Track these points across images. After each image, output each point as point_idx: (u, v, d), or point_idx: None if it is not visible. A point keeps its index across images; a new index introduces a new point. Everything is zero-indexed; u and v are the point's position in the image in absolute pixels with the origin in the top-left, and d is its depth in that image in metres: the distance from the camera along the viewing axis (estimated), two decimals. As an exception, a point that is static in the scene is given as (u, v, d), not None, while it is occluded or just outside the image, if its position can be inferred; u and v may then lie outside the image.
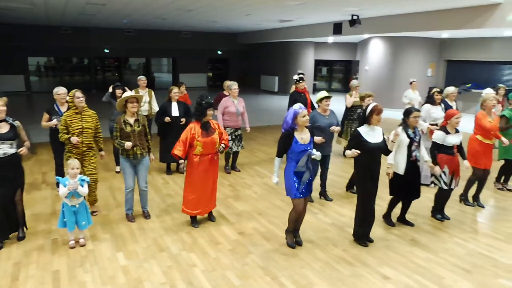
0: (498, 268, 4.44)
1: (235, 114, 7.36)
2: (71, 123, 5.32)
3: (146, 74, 23.85)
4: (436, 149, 5.39)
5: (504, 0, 10.21)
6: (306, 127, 4.57)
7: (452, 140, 5.36)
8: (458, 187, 5.70)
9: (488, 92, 8.01)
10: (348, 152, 4.64)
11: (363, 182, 4.76)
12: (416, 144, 5.14)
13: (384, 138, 4.75)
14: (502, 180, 7.04)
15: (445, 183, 5.44)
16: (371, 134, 4.65)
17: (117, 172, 7.54)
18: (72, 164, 4.69)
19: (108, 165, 8.00)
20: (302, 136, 4.50)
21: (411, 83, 10.95)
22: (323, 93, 5.96)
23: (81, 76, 24.37)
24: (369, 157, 4.64)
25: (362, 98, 6.90)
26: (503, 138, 6.25)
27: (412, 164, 5.16)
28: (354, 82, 8.78)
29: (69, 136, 5.29)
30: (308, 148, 4.51)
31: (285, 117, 4.56)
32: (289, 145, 4.48)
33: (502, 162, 6.92)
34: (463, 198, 6.33)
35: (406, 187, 5.23)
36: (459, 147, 5.51)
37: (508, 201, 6.56)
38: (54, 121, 6.04)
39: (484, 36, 14.84)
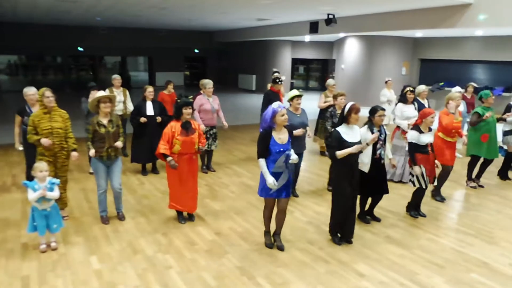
0: (470, 263, 4.54)
1: (210, 111, 7.30)
2: (39, 124, 5.10)
3: (122, 73, 23.52)
4: (413, 149, 5.45)
5: (475, 1, 10.46)
6: (285, 126, 4.52)
7: (426, 139, 5.44)
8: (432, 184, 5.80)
9: (456, 90, 8.22)
10: (343, 151, 4.55)
11: (340, 181, 4.75)
12: (381, 142, 5.20)
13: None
14: (473, 177, 7.19)
15: (424, 182, 5.53)
16: (350, 133, 4.66)
17: (91, 173, 7.36)
18: (40, 167, 4.55)
19: (82, 166, 7.83)
20: (280, 136, 4.44)
21: (386, 82, 11.11)
22: (294, 92, 5.99)
23: (54, 75, 23.80)
24: (348, 157, 4.62)
25: (335, 97, 6.94)
26: (464, 137, 6.40)
27: (377, 161, 5.22)
28: (330, 81, 8.83)
29: (38, 137, 5.09)
30: (286, 148, 4.45)
31: (263, 116, 4.50)
32: (268, 145, 4.40)
33: (469, 158, 7.10)
34: (434, 193, 6.48)
35: (370, 184, 5.27)
36: (432, 146, 5.61)
37: (479, 197, 6.72)
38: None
39: (456, 36, 15.18)
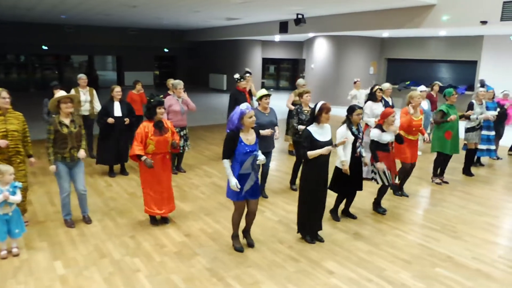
0: (435, 257, 4.66)
1: (180, 112, 7.18)
2: None
3: (89, 72, 22.98)
4: (375, 147, 5.56)
5: (438, 2, 10.77)
6: (252, 127, 4.49)
7: (387, 137, 5.55)
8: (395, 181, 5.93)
9: (421, 89, 8.43)
10: (315, 151, 4.55)
11: (310, 180, 4.76)
12: (360, 140, 5.27)
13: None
14: (438, 173, 7.40)
15: (387, 179, 5.63)
16: (321, 132, 4.68)
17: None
18: (10, 170, 4.40)
19: (46, 170, 7.56)
20: (248, 137, 4.41)
21: (355, 82, 11.26)
22: (263, 91, 5.98)
23: (17, 74, 23.00)
24: (319, 156, 4.65)
25: (300, 95, 6.95)
26: (426, 134, 6.55)
27: (357, 160, 5.30)
28: (300, 81, 8.87)
29: None
30: (254, 149, 4.43)
31: (230, 117, 4.44)
32: (235, 146, 4.36)
33: (435, 155, 7.28)
34: (393, 189, 6.63)
35: (349, 182, 5.35)
36: (393, 144, 5.72)
37: (444, 193, 6.92)
38: None
39: (421, 36, 15.62)
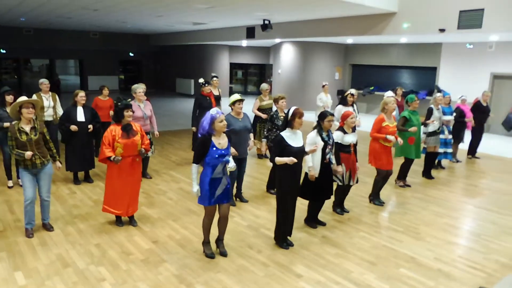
0: (399, 258, 4.80)
1: (143, 118, 7.00)
2: None
3: (50, 76, 22.25)
4: (337, 149, 5.63)
5: (399, 10, 11.16)
6: (225, 132, 4.48)
7: (349, 139, 5.67)
8: (359, 183, 6.02)
9: (389, 95, 8.65)
10: (282, 159, 4.58)
11: (284, 185, 4.78)
12: (330, 147, 5.29)
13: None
14: (401, 177, 7.61)
15: (341, 179, 5.75)
16: (293, 138, 4.71)
17: (10, 187, 6.80)
18: None
19: (4, 175, 7.28)
20: (220, 141, 4.39)
21: (323, 86, 11.39)
22: (236, 96, 5.93)
23: (-27, 78, 22.04)
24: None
25: (276, 101, 7.01)
26: (399, 139, 6.61)
27: (326, 166, 5.31)
28: (263, 86, 8.97)
29: None
30: (226, 153, 4.41)
31: (201, 122, 4.40)
32: (206, 151, 4.34)
33: (402, 160, 7.49)
34: (372, 198, 6.67)
35: (319, 188, 5.35)
36: (355, 146, 5.82)
37: (406, 195, 7.14)
38: None
39: (384, 42, 16.09)
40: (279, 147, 4.66)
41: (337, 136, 5.64)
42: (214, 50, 21.90)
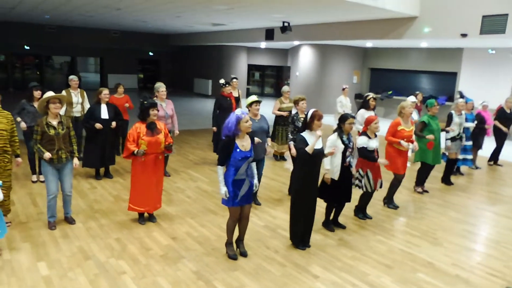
0: (416, 263, 4.78)
1: (164, 117, 7.10)
2: None
3: (71, 73, 22.62)
4: (363, 154, 5.62)
5: (420, 14, 11.07)
6: (247, 133, 4.46)
7: (373, 144, 5.66)
8: (382, 188, 6.01)
9: (411, 100, 8.54)
10: (311, 145, 4.60)
11: (302, 187, 4.81)
12: (350, 150, 5.30)
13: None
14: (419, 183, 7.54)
15: (370, 186, 5.74)
16: (313, 140, 4.72)
17: (34, 182, 6.94)
18: None
19: (28, 169, 7.47)
20: (243, 143, 4.39)
21: (343, 89, 11.37)
22: (253, 98, 5.93)
23: (-4, 73, 22.58)
24: (311, 163, 4.72)
25: (296, 102, 7.00)
26: (415, 144, 6.49)
27: (346, 169, 5.31)
28: (285, 88, 8.96)
29: None
30: (250, 155, 4.42)
31: (226, 123, 4.39)
32: (230, 152, 4.33)
33: (418, 165, 7.43)
34: (386, 201, 6.66)
35: (339, 192, 5.36)
36: (377, 151, 5.80)
37: (424, 201, 7.08)
38: None
39: (403, 47, 15.98)
40: (304, 143, 4.69)
41: (362, 141, 5.62)
42: (232, 51, 22.02)
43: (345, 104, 11.00)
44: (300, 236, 4.98)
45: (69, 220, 5.35)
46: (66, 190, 5.20)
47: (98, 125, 6.89)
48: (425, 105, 7.23)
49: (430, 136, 6.80)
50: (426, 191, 7.49)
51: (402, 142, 6.17)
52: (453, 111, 7.77)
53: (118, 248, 4.76)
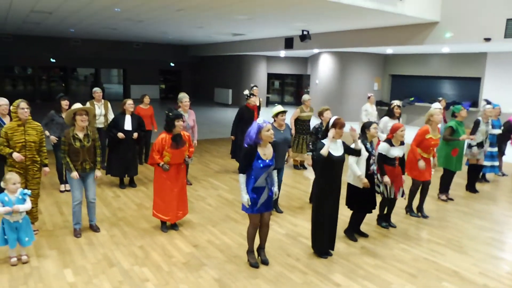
0: (441, 272, 4.68)
1: (185, 128, 7.17)
2: (12, 136, 4.91)
3: (95, 85, 23.19)
4: (382, 160, 5.60)
5: (441, 19, 10.95)
6: (270, 142, 4.48)
7: (395, 152, 5.59)
8: (405, 195, 5.92)
9: (435, 107, 8.38)
10: (325, 147, 4.58)
11: (322, 194, 4.79)
12: (373, 157, 5.28)
13: (347, 147, 4.87)
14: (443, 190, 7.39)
15: (388, 193, 5.68)
16: (333, 147, 4.71)
17: (61, 191, 7.09)
18: (13, 178, 4.45)
19: (54, 178, 7.67)
20: (265, 152, 4.42)
21: (369, 97, 11.27)
22: (279, 108, 5.86)
23: (23, 86, 23.28)
24: (331, 170, 4.72)
25: (321, 113, 6.92)
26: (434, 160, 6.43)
27: (370, 177, 5.28)
28: (305, 97, 8.93)
29: (10, 151, 4.90)
30: (271, 164, 4.44)
31: (248, 132, 4.42)
32: (252, 161, 4.35)
33: (441, 172, 7.30)
34: (408, 209, 6.55)
35: (365, 200, 5.33)
36: (401, 159, 5.71)
37: (448, 208, 6.94)
38: None
39: (424, 52, 15.79)
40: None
41: (382, 147, 5.59)
42: (252, 61, 22.18)
43: (370, 112, 10.83)
44: (321, 244, 4.95)
45: (93, 228, 5.46)
46: (90, 197, 5.33)
47: (120, 135, 7.05)
48: (452, 111, 7.08)
49: (464, 136, 6.72)
50: (451, 199, 7.33)
51: (420, 162, 6.08)
52: (480, 118, 7.59)
53: (141, 255, 4.83)
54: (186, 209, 5.70)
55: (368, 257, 4.97)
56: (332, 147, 4.70)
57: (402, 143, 5.68)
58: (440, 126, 8.70)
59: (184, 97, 7.33)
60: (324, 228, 4.87)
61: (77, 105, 5.20)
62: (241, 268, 4.58)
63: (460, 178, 7.91)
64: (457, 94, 15.66)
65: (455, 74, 15.41)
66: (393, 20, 11.25)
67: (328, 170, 4.73)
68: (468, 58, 14.72)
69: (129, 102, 7.25)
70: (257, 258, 4.74)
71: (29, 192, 4.58)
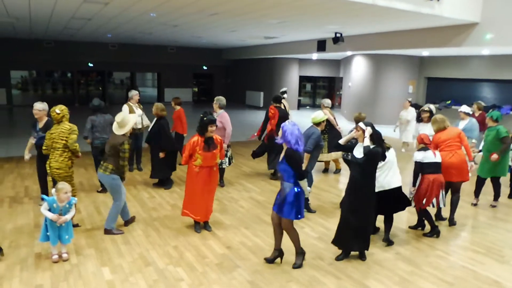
0: (479, 280, 4.53)
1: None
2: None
3: (131, 87, 23.81)
4: (420, 169, 5.52)
5: (481, 20, 10.59)
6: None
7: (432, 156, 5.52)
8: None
9: (465, 110, 8.10)
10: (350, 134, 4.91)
11: (345, 193, 4.95)
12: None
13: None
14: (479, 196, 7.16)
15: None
16: (358, 149, 4.77)
17: (98, 192, 7.28)
18: (65, 188, 4.67)
19: (93, 179, 7.92)
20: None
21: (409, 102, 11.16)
22: (323, 115, 6.28)
23: (63, 90, 24.18)
24: (350, 170, 4.88)
25: (359, 120, 6.90)
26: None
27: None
28: (325, 101, 8.87)
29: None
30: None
31: (290, 136, 4.41)
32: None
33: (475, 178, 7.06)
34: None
35: (395, 201, 5.33)
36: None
37: (488, 216, 6.70)
38: (31, 140, 6.16)
39: (463, 54, 15.30)
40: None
41: (417, 156, 5.58)
42: (284, 64, 22.17)
43: (401, 117, 10.73)
44: (339, 243, 4.94)
45: (131, 220, 5.83)
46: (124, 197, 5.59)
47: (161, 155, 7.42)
48: (495, 119, 6.79)
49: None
50: (475, 204, 7.06)
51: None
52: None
53: (175, 255, 4.92)
54: (211, 211, 5.75)
55: (403, 263, 4.87)
56: (357, 148, 4.80)
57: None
58: (461, 126, 8.25)
59: (219, 100, 7.49)
60: (343, 228, 4.85)
61: (134, 116, 5.55)
62: (274, 271, 4.59)
63: (504, 186, 7.59)
64: (497, 97, 15.09)
65: (495, 76, 14.86)
66: (430, 22, 10.97)
67: (350, 170, 4.94)
68: (509, 60, 14.16)
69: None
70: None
71: (75, 200, 4.82)
